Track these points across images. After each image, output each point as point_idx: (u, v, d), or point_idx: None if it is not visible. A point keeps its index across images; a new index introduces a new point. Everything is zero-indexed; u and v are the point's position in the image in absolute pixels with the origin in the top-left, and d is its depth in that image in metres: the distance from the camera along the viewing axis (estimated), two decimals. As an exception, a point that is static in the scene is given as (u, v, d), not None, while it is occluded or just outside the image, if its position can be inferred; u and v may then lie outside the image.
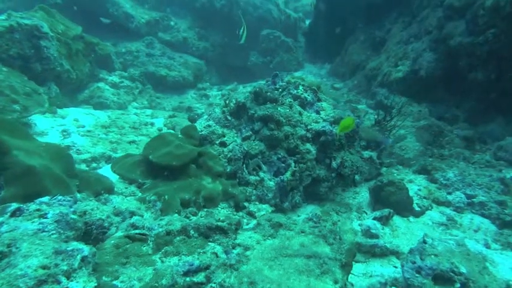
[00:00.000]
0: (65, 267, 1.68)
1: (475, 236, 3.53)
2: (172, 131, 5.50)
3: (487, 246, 3.35)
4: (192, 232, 2.51)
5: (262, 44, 10.54)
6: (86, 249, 1.84)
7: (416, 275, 2.52)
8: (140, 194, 3.19)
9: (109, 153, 4.48)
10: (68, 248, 1.78)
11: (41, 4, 5.73)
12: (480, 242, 3.39)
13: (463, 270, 2.45)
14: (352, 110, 6.57)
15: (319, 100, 4.63)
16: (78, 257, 1.77)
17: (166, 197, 3.12)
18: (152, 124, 6.12)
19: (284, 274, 2.33)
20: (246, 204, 3.70)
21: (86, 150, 4.36)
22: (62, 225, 2.00)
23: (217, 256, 2.38)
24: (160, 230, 2.46)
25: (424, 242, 2.78)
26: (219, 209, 3.54)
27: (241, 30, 7.94)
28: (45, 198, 2.11)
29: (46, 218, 1.96)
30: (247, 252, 2.53)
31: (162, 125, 6.16)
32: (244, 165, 3.84)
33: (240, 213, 3.61)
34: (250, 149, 3.89)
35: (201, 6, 9.95)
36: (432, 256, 2.65)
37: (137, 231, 2.43)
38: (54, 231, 1.94)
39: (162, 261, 2.26)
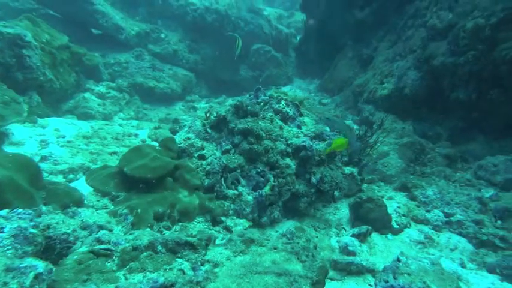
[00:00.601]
0: (15, 286, 1.61)
1: (452, 255, 3.51)
2: (155, 143, 5.45)
3: (463, 265, 3.33)
4: (159, 247, 2.44)
5: (252, 59, 10.64)
6: (40, 265, 1.77)
7: (389, 294, 2.49)
8: (112, 207, 3.12)
9: (88, 164, 4.41)
10: (21, 265, 1.71)
11: (27, 13, 5.72)
12: (456, 261, 3.37)
13: (435, 290, 2.43)
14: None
15: (301, 115, 4.65)
16: (31, 274, 1.70)
17: (138, 210, 3.06)
18: (136, 135, 6.06)
19: (252, 293, 2.27)
20: (223, 218, 3.64)
21: (64, 160, 4.29)
22: (19, 240, 1.93)
23: (184, 273, 2.32)
24: (126, 245, 2.39)
25: (398, 260, 2.77)
26: (195, 223, 3.48)
27: (237, 44, 8.10)
28: (4, 212, 2.04)
29: (2, 232, 1.90)
30: (216, 269, 2.46)
31: (146, 137, 6.10)
32: (222, 179, 3.81)
33: (217, 228, 3.55)
34: (229, 162, 3.86)
35: (193, 19, 10.05)
36: (405, 275, 2.63)
37: (102, 246, 2.36)
38: (10, 247, 1.87)
39: (126, 278, 2.19)
